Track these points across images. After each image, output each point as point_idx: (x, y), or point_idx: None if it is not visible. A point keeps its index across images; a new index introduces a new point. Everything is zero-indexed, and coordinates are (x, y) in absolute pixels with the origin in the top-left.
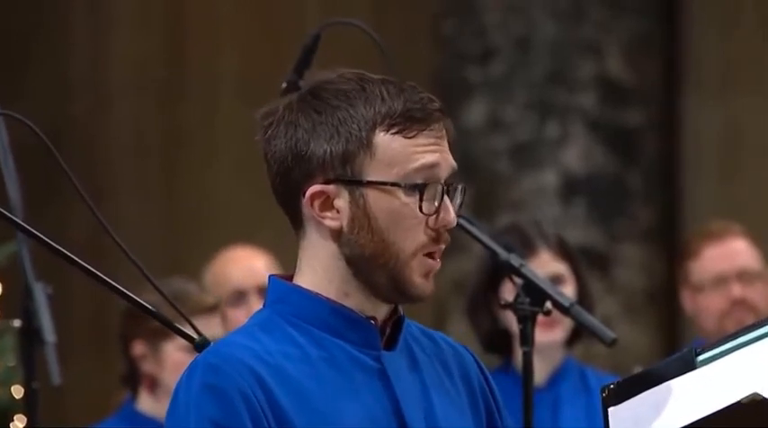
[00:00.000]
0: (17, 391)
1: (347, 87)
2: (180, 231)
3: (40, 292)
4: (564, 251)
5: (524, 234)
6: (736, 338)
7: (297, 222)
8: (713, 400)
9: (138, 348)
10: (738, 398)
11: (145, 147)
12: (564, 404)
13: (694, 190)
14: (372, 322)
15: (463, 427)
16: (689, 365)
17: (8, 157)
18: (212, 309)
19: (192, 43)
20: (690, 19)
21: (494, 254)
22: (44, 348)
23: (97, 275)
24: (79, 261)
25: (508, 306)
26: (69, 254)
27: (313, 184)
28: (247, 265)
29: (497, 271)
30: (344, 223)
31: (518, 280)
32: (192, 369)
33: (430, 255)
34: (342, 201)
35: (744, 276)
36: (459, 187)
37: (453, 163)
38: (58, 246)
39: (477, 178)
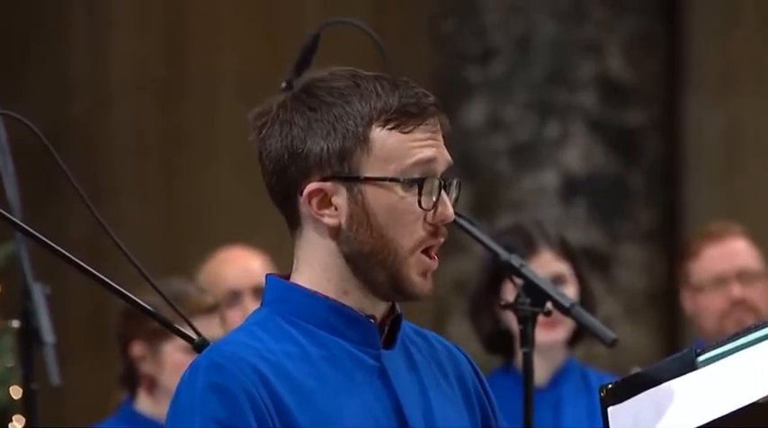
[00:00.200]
0: (16, 392)
1: (341, 84)
2: (180, 231)
3: (38, 293)
4: (566, 251)
5: (526, 234)
6: (737, 339)
7: (294, 221)
8: (713, 401)
9: (137, 349)
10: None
11: (145, 148)
12: (565, 404)
13: (695, 190)
14: (372, 321)
15: (461, 426)
16: (689, 366)
17: (7, 157)
18: (212, 310)
19: (191, 43)
20: (691, 18)
21: (494, 254)
22: (43, 348)
23: (96, 276)
24: (78, 261)
25: (508, 306)
26: (68, 254)
27: (310, 182)
28: (242, 266)
29: (498, 271)
30: (343, 220)
31: (518, 281)
32: (194, 368)
33: (428, 252)
34: (340, 199)
35: (744, 276)
36: (455, 182)
37: (449, 157)
38: (56, 247)
39: (477, 178)
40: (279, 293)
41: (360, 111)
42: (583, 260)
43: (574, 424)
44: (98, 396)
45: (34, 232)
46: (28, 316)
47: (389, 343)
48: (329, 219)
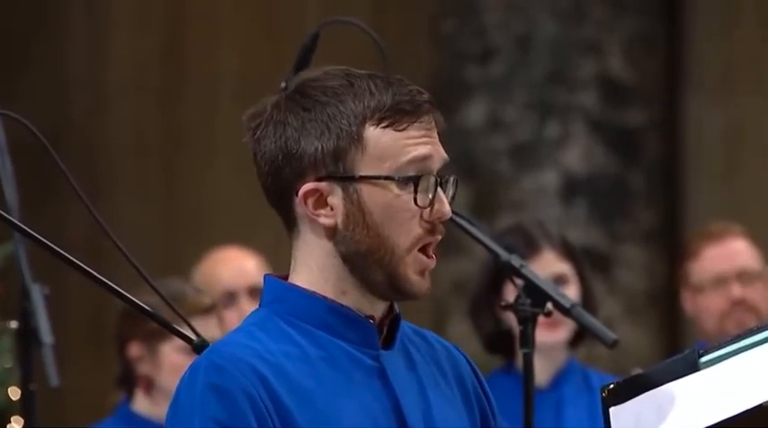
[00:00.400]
0: (14, 393)
1: (334, 83)
2: (179, 231)
3: (37, 293)
4: (568, 251)
5: (528, 234)
6: (740, 341)
7: (290, 222)
8: (716, 403)
9: (135, 349)
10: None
11: (144, 148)
12: (567, 404)
13: (696, 190)
14: (371, 321)
15: (460, 426)
16: (692, 367)
17: (6, 157)
18: (209, 310)
19: (191, 43)
20: (691, 18)
21: (494, 255)
22: (41, 349)
23: (95, 276)
24: (77, 262)
25: (509, 307)
26: (67, 255)
27: (305, 183)
28: (237, 266)
29: (499, 272)
30: (339, 220)
31: (519, 282)
32: (194, 369)
33: (425, 250)
34: (335, 198)
35: (743, 276)
36: (452, 179)
37: (445, 155)
38: (55, 247)
39: (477, 178)
40: (277, 294)
41: (353, 109)
42: (583, 260)
43: (575, 425)
44: (97, 396)
45: (33, 232)
46: (26, 317)
47: (388, 343)
48: (325, 219)
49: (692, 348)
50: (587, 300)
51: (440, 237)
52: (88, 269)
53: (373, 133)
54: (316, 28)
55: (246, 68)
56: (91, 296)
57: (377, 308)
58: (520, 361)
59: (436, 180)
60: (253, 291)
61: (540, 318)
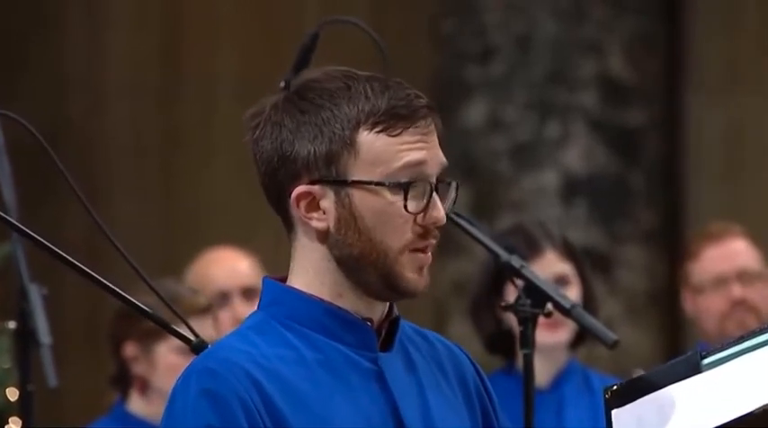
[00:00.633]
0: (12, 393)
1: (332, 86)
2: (177, 231)
3: (35, 294)
4: (569, 252)
5: (529, 234)
6: (743, 342)
7: (288, 224)
8: (718, 405)
9: (130, 349)
10: (751, 408)
11: (142, 148)
12: (568, 405)
13: (696, 190)
14: (369, 324)
15: (460, 427)
16: (694, 368)
17: (4, 157)
18: (205, 311)
19: (189, 43)
20: (692, 18)
21: (495, 255)
22: (39, 350)
23: (93, 276)
24: (75, 262)
25: (509, 307)
26: (65, 255)
27: (299, 185)
28: (230, 266)
29: (499, 272)
30: (331, 224)
31: (519, 282)
32: (188, 373)
33: (418, 251)
34: (328, 202)
35: (744, 276)
36: (453, 184)
37: (443, 159)
38: (53, 247)
39: (477, 178)
40: (275, 296)
41: (347, 114)
42: (584, 260)
43: (576, 426)
44: (95, 397)
45: (31, 232)
46: (25, 318)
47: (388, 345)
48: (317, 223)
49: (694, 350)
50: (588, 301)
51: (434, 242)
52: (86, 269)
53: (366, 138)
54: (315, 28)
55: (246, 68)
56: (89, 296)
57: (375, 311)
58: (520, 362)
59: (431, 185)
60: (246, 292)
61: (541, 319)
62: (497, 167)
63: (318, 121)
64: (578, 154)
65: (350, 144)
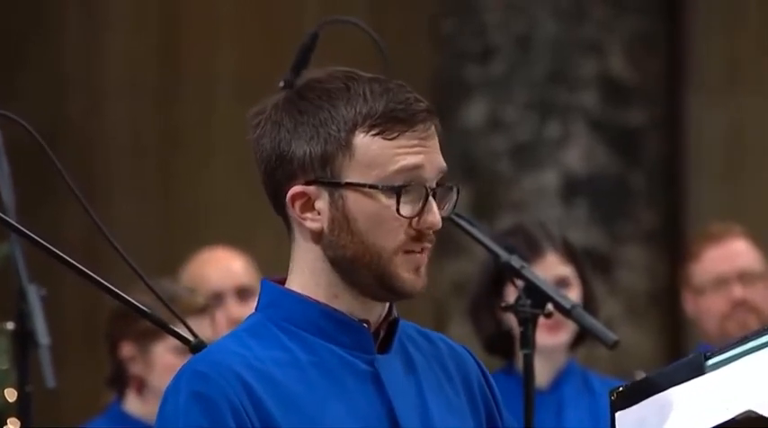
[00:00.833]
0: (11, 394)
1: (332, 86)
2: (176, 232)
3: (33, 294)
4: (570, 253)
5: (530, 236)
6: (746, 343)
7: (287, 223)
8: (721, 407)
9: (127, 349)
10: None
11: (141, 148)
12: (567, 406)
13: (697, 190)
14: (365, 325)
15: None
16: (698, 369)
17: (2, 157)
18: (202, 311)
19: (188, 43)
20: (693, 18)
21: (494, 255)
22: (38, 350)
23: (92, 277)
24: (74, 262)
25: (509, 308)
26: (64, 255)
27: (294, 185)
28: (224, 266)
29: (499, 273)
30: (325, 225)
31: (519, 282)
32: (179, 375)
33: (412, 252)
34: (322, 203)
35: (744, 277)
36: (455, 188)
37: (442, 164)
38: (52, 248)
39: (477, 178)
40: (272, 298)
41: (344, 115)
42: (585, 261)
43: (576, 426)
44: (94, 397)
45: (29, 233)
46: (23, 318)
47: (386, 347)
48: (311, 223)
49: (697, 351)
50: (589, 303)
51: (429, 246)
52: (85, 269)
53: (362, 140)
54: (315, 28)
55: (245, 68)
56: (88, 297)
57: (372, 312)
58: (520, 363)
59: (427, 189)
60: (240, 292)
61: (542, 321)
62: (497, 167)
63: (315, 122)
64: (578, 154)
65: (345, 146)
